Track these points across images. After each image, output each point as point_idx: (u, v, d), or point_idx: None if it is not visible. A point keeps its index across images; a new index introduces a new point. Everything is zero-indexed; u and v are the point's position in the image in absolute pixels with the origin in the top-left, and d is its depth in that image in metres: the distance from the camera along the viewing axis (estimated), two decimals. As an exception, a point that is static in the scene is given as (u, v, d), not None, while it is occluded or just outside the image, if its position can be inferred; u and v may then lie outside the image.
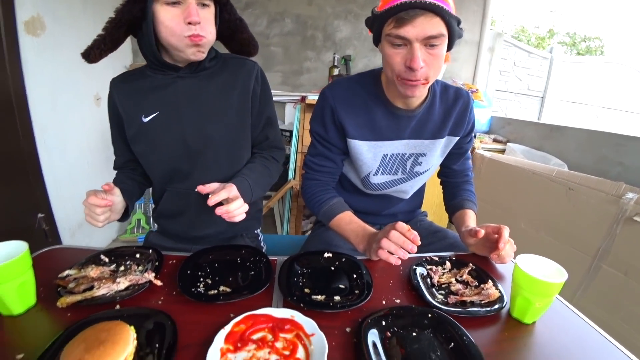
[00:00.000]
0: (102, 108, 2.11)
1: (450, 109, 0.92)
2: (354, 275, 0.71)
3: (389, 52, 0.75)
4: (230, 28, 0.85)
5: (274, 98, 2.58)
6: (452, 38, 0.74)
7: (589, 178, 1.59)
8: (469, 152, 1.07)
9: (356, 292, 0.66)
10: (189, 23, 0.71)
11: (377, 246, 0.72)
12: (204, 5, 0.74)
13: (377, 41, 0.81)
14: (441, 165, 1.08)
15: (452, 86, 0.96)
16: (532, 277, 0.60)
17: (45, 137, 1.72)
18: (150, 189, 0.99)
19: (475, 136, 1.08)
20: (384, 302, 0.65)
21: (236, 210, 0.72)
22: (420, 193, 1.11)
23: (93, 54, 0.75)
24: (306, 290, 0.66)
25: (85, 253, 0.77)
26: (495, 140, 2.43)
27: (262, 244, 1.05)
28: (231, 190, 0.74)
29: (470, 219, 0.95)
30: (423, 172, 0.99)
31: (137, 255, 0.76)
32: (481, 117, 2.54)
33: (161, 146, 0.85)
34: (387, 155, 0.93)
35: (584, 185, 1.61)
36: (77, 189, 1.96)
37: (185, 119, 0.83)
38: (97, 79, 2.02)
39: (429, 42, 0.71)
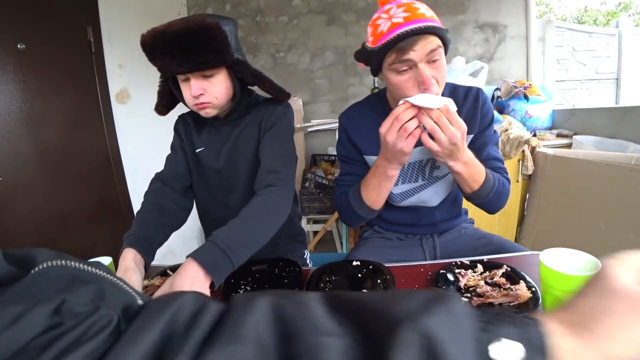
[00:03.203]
0: (177, 155, 2.47)
1: (461, 107, 0.93)
2: (378, 281, 0.76)
3: (397, 80, 0.81)
4: (249, 83, 0.95)
5: (323, 127, 2.75)
6: (446, 45, 0.81)
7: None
8: (494, 146, 0.99)
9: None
10: (193, 96, 0.86)
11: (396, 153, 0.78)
12: (206, 76, 0.85)
13: (375, 72, 0.87)
14: None
15: (462, 87, 0.98)
16: (557, 272, 0.57)
17: (134, 184, 2.09)
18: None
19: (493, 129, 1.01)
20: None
21: None
22: (455, 201, 1.08)
23: (158, 109, 0.98)
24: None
25: (156, 269, 0.94)
26: (559, 135, 2.22)
27: (307, 261, 1.14)
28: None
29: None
30: (443, 176, 0.99)
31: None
32: (542, 112, 2.36)
33: (205, 177, 1.03)
34: (403, 165, 0.93)
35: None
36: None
37: (221, 156, 1.00)
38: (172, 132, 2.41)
39: (431, 57, 0.77)
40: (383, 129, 0.78)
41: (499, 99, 2.48)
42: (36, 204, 1.53)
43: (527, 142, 1.95)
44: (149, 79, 2.32)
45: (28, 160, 1.52)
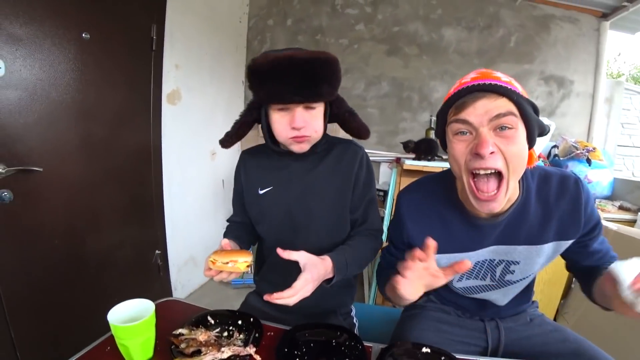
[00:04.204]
0: (216, 162, 2.45)
1: (551, 209, 0.75)
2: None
3: (452, 144, 0.68)
4: (341, 119, 0.92)
5: (371, 158, 2.68)
6: (530, 126, 0.65)
7: None
8: (602, 240, 0.82)
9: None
10: (293, 128, 0.82)
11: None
12: (310, 107, 0.83)
13: (443, 142, 0.74)
14: (570, 266, 0.88)
15: (556, 174, 0.78)
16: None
17: (170, 185, 2.05)
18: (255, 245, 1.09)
19: (599, 227, 0.82)
20: None
21: (291, 297, 0.70)
22: (527, 290, 0.94)
23: (225, 144, 0.93)
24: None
25: (194, 310, 0.87)
26: (621, 208, 2.05)
27: (354, 320, 1.03)
28: (314, 264, 0.76)
29: None
30: (517, 281, 0.84)
31: (239, 322, 0.81)
32: (602, 179, 2.19)
33: (270, 217, 0.96)
34: None
35: None
36: (189, 232, 2.26)
37: (293, 195, 0.93)
38: (215, 138, 2.36)
39: (498, 124, 0.63)
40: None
41: (556, 157, 2.33)
42: (71, 198, 1.49)
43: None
44: (203, 82, 2.35)
45: (71, 153, 1.48)
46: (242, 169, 1.00)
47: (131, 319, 0.65)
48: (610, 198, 2.20)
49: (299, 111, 0.81)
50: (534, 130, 0.67)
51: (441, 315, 0.97)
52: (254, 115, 0.89)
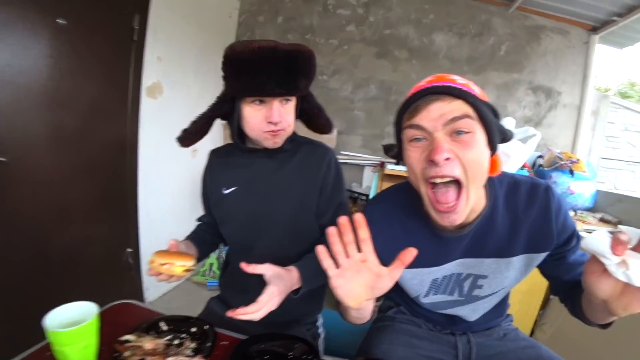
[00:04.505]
0: (197, 159, 2.36)
1: (522, 217, 0.70)
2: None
3: (408, 152, 0.64)
4: (308, 115, 0.90)
5: (352, 161, 2.64)
6: (490, 131, 0.61)
7: None
8: (581, 253, 0.75)
9: None
10: (270, 122, 0.78)
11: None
12: (287, 100, 0.81)
13: (399, 151, 0.69)
14: (550, 281, 0.81)
15: (526, 182, 0.72)
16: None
17: (146, 182, 1.98)
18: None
19: (576, 237, 0.72)
20: None
21: (256, 312, 0.67)
22: (501, 305, 0.89)
23: (185, 142, 0.86)
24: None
25: (150, 315, 0.81)
26: (602, 220, 2.05)
27: (319, 330, 0.99)
28: (279, 276, 0.72)
29: None
30: (486, 296, 0.78)
31: (193, 330, 0.77)
32: (585, 190, 2.19)
33: (234, 218, 0.92)
34: (437, 279, 0.77)
35: None
36: (165, 229, 2.19)
37: (255, 195, 0.89)
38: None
39: (454, 128, 0.58)
40: None
41: (541, 167, 2.33)
42: (37, 191, 1.42)
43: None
44: (186, 77, 2.29)
45: (39, 143, 1.41)
46: (209, 169, 0.98)
47: (72, 323, 0.60)
48: (591, 210, 2.21)
49: (277, 105, 0.79)
50: (495, 135, 0.62)
51: (411, 328, 0.92)
52: (224, 109, 0.83)
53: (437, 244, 0.72)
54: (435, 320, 0.91)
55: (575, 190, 2.17)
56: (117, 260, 1.89)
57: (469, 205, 0.63)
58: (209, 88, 2.44)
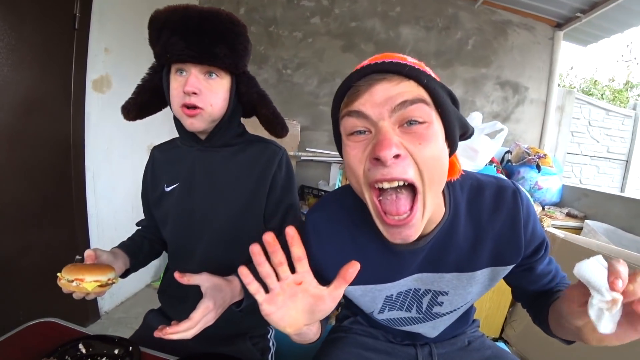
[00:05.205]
0: (153, 157, 2.22)
1: (486, 226, 0.60)
2: None
3: (347, 149, 0.51)
4: (250, 102, 0.81)
5: (318, 158, 2.55)
6: (449, 121, 0.50)
7: None
8: (550, 261, 0.69)
9: None
10: (184, 92, 0.71)
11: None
12: (211, 74, 0.73)
13: (339, 146, 0.57)
14: (516, 293, 0.76)
15: (491, 184, 0.62)
16: None
17: (95, 184, 1.82)
18: None
19: (545, 246, 0.65)
20: None
21: (188, 330, 0.58)
22: (464, 315, 0.80)
23: (129, 114, 0.80)
24: None
25: (74, 334, 0.75)
26: (568, 215, 2.06)
27: (270, 343, 0.90)
28: (218, 287, 0.63)
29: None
30: (446, 314, 0.70)
31: (116, 351, 0.69)
32: (552, 185, 2.21)
33: (173, 217, 0.84)
34: (391, 295, 0.68)
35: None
36: (119, 233, 2.02)
37: (198, 193, 0.81)
38: (153, 131, 2.16)
39: (405, 116, 0.47)
40: None
41: (509, 163, 2.33)
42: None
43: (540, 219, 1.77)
44: (137, 71, 2.08)
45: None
46: (150, 165, 0.90)
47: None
48: (558, 205, 2.22)
49: (194, 73, 0.71)
50: (454, 127, 0.51)
51: (367, 340, 0.84)
52: (153, 81, 0.78)
53: (389, 258, 0.62)
54: (394, 332, 0.83)
55: (543, 185, 2.18)
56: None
57: (426, 216, 0.51)
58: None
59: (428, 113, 0.48)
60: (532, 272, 0.66)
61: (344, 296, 0.72)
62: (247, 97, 0.80)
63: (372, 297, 0.68)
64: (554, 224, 1.92)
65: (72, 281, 0.62)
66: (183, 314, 0.82)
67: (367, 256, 0.62)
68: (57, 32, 1.56)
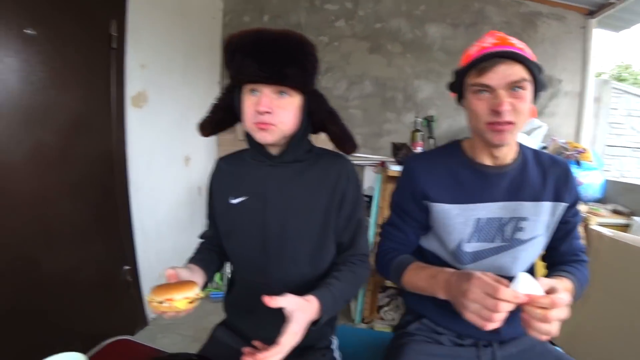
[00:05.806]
0: (190, 168, 2.29)
1: (547, 171, 0.85)
2: None
3: (474, 101, 0.77)
4: (320, 119, 0.83)
5: (353, 161, 2.54)
6: (537, 87, 0.77)
7: None
8: (578, 231, 0.92)
9: None
10: (257, 112, 0.74)
11: (464, 309, 0.64)
12: (282, 93, 0.75)
13: (459, 97, 0.83)
14: (547, 249, 0.91)
15: (546, 153, 0.92)
16: None
17: (139, 196, 1.88)
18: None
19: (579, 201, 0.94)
20: None
21: (277, 355, 0.60)
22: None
23: (205, 131, 0.84)
24: None
25: (148, 351, 0.80)
26: (615, 212, 1.98)
27: (335, 353, 0.91)
28: (302, 309, 0.65)
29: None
30: (527, 240, 0.83)
31: None
32: (593, 181, 2.12)
33: (242, 232, 0.85)
34: (481, 219, 0.82)
35: None
36: (162, 244, 2.10)
37: (270, 208, 0.82)
38: (189, 142, 2.24)
39: (513, 86, 0.73)
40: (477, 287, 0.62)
41: (546, 159, 2.26)
42: (20, 216, 1.32)
43: (584, 219, 1.71)
44: (171, 85, 2.18)
45: (17, 164, 1.31)
46: (215, 177, 0.92)
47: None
48: (601, 201, 2.13)
49: (267, 93, 0.74)
50: (539, 90, 0.78)
51: (435, 347, 0.86)
52: (227, 100, 0.82)
53: (480, 180, 0.83)
54: (462, 325, 0.83)
55: (584, 181, 2.09)
56: (114, 279, 1.80)
57: (513, 138, 0.79)
58: (199, 92, 2.34)
59: (526, 84, 0.73)
60: (567, 225, 0.88)
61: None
62: (317, 115, 0.81)
63: (465, 219, 0.83)
64: (599, 222, 1.84)
65: (162, 302, 0.63)
66: (252, 327, 0.85)
67: (461, 179, 0.84)
68: (95, 53, 1.63)
